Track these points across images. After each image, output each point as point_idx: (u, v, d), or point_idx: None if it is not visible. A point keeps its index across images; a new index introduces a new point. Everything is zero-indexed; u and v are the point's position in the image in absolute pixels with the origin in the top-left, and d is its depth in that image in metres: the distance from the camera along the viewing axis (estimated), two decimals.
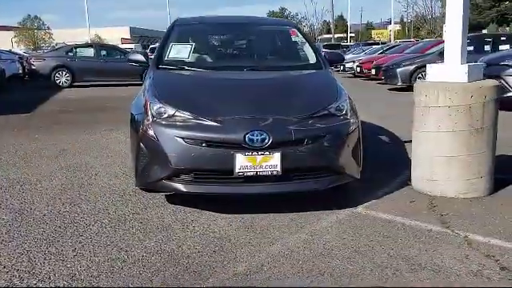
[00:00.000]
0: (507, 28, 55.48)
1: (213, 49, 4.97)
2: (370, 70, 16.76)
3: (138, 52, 5.00)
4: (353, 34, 60.51)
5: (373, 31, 75.84)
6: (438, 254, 2.89)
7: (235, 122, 3.40)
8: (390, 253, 2.93)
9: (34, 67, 16.54)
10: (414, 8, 48.54)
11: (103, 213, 3.66)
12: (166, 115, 3.52)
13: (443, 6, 45.96)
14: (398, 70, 13.20)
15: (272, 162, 3.33)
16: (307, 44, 4.83)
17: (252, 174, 3.34)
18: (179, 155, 3.36)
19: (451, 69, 3.91)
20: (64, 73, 16.35)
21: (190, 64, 4.38)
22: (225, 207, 3.63)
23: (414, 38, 49.23)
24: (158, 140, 3.43)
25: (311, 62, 4.53)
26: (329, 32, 63.88)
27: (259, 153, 3.31)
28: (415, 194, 3.99)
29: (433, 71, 4.05)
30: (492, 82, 3.91)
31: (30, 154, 5.70)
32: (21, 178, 4.63)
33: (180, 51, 4.49)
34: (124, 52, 18.10)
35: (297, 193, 3.58)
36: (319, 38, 61.89)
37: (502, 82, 8.64)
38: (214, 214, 3.59)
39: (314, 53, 4.65)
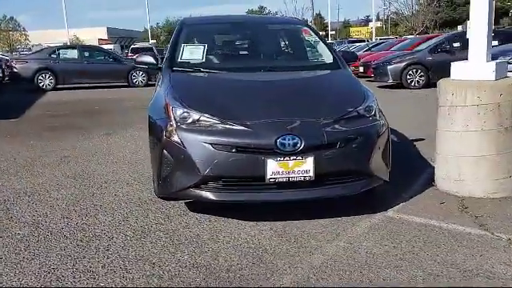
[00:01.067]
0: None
1: (225, 49, 4.80)
2: (357, 67, 16.75)
3: (146, 53, 4.79)
4: (333, 32, 60.75)
5: (351, 29, 76.25)
6: (486, 259, 2.80)
7: (265, 126, 3.25)
8: (436, 259, 2.82)
9: (15, 70, 16.05)
10: (394, 5, 48.87)
11: (124, 224, 3.47)
12: (190, 120, 3.35)
13: (420, 2, 46.50)
14: (389, 67, 13.20)
15: (305, 167, 3.19)
16: (321, 43, 4.70)
17: (284, 179, 3.20)
18: (208, 162, 3.20)
19: (477, 67, 3.84)
20: (47, 75, 15.90)
21: (206, 66, 4.20)
22: (250, 214, 3.48)
23: (392, 35, 49.62)
24: (184, 146, 3.25)
25: (328, 61, 4.41)
26: None
27: (291, 158, 3.17)
28: (442, 194, 3.91)
29: (457, 69, 3.97)
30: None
31: (31, 161, 5.45)
32: (27, 189, 4.39)
33: (193, 52, 4.32)
34: (108, 53, 17.77)
35: (329, 198, 3.44)
36: None
37: None
38: (240, 222, 3.43)
39: (330, 52, 4.52)
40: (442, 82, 4.01)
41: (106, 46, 33.70)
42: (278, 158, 3.16)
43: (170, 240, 3.18)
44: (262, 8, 61.07)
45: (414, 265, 2.76)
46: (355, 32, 71.17)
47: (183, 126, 3.32)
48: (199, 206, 3.67)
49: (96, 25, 78.65)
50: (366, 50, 20.20)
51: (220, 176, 3.24)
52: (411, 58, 13.22)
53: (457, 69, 3.98)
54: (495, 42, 12.36)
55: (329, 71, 4.22)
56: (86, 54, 16.85)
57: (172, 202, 3.84)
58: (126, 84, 16.45)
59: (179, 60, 4.25)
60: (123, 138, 6.79)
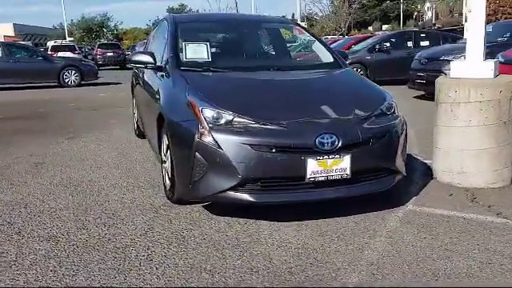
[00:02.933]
0: (386, 26, 59.69)
1: (227, 48, 4.69)
2: None
3: (142, 52, 4.54)
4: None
5: None
6: None
7: (302, 126, 3.25)
8: (478, 248, 2.98)
9: None
10: (311, 6, 50.26)
11: (152, 232, 3.29)
12: (223, 121, 3.26)
13: (334, 5, 48.34)
14: None
15: (342, 165, 3.23)
16: (317, 42, 4.76)
17: (323, 178, 3.21)
18: (247, 163, 3.13)
19: (477, 65, 4.09)
20: None
21: (214, 65, 4.09)
22: (274, 215, 3.44)
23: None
24: (221, 148, 3.16)
25: (329, 60, 4.47)
26: None
27: (330, 156, 3.20)
28: (446, 186, 4.13)
29: (457, 68, 4.21)
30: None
31: (3, 170, 4.98)
32: (17, 200, 4.01)
33: (196, 51, 4.18)
34: (36, 51, 16.69)
35: (364, 195, 3.50)
36: None
37: (443, 76, 9.27)
38: (272, 223, 3.40)
39: (328, 51, 4.60)
40: (442, 80, 4.24)
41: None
42: (318, 157, 3.17)
43: (211, 245, 3.07)
44: (182, 6, 60.21)
45: (462, 255, 2.89)
46: None
47: (218, 128, 3.22)
48: (221, 210, 3.58)
49: (2, 21, 72.91)
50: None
51: (260, 177, 3.18)
52: (352, 57, 13.71)
53: (456, 67, 4.22)
54: (426, 42, 13.25)
55: (337, 70, 4.28)
56: (11, 52, 15.64)
57: (189, 206, 3.72)
58: (56, 84, 15.51)
59: (185, 59, 4.10)
60: (91, 141, 6.41)
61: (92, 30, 60.29)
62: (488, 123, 3.97)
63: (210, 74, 3.92)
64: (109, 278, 2.66)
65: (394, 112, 3.65)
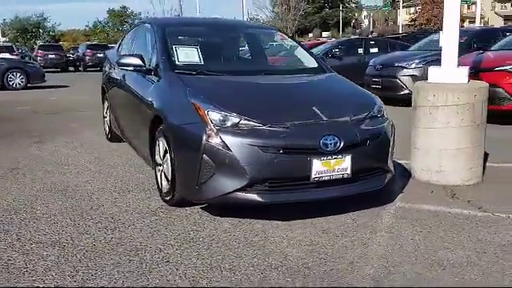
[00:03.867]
0: (327, 33, 61.50)
1: (216, 52, 4.73)
2: None
3: (130, 55, 4.48)
4: None
5: None
6: (510, 236, 3.28)
7: (307, 127, 3.38)
8: (472, 239, 3.22)
9: None
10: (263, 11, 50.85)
11: (159, 234, 3.30)
12: (229, 123, 3.33)
13: (275, 11, 49.23)
14: None
15: (344, 165, 3.40)
16: (299, 47, 4.93)
17: (327, 178, 3.37)
18: (256, 164, 3.22)
19: (452, 72, 4.41)
20: None
21: (208, 68, 4.13)
22: (272, 214, 3.54)
23: None
24: (229, 150, 3.23)
25: (314, 65, 4.65)
26: None
27: (333, 157, 3.35)
28: (425, 184, 4.40)
29: (434, 74, 4.50)
30: (485, 84, 4.51)
31: None
32: (3, 206, 3.87)
33: (188, 55, 4.22)
34: None
35: (362, 193, 3.67)
36: None
37: (398, 81, 9.80)
38: (274, 222, 3.49)
39: (311, 56, 4.78)
40: (421, 85, 4.53)
41: None
42: (322, 158, 3.32)
43: (223, 245, 3.13)
44: (124, 8, 58.97)
45: (458, 246, 3.13)
46: None
47: (225, 130, 3.29)
48: (221, 211, 3.64)
49: None
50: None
51: (267, 178, 3.28)
52: None
53: (433, 73, 4.52)
54: (376, 49, 13.85)
55: (324, 74, 4.46)
56: None
57: (188, 208, 3.75)
58: None
59: (177, 62, 4.12)
60: (61, 146, 6.22)
61: (27, 30, 57.61)
62: (464, 125, 4.28)
63: (207, 77, 3.97)
64: (131, 280, 2.66)
65: (383, 115, 3.87)
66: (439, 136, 4.35)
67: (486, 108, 4.44)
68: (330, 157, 3.34)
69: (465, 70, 4.40)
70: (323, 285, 2.64)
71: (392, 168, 3.88)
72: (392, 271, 2.78)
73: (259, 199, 3.29)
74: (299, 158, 3.29)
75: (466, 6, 62.49)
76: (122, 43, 6.07)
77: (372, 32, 58.46)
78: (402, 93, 9.68)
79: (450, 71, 4.42)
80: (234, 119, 3.33)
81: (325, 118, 3.49)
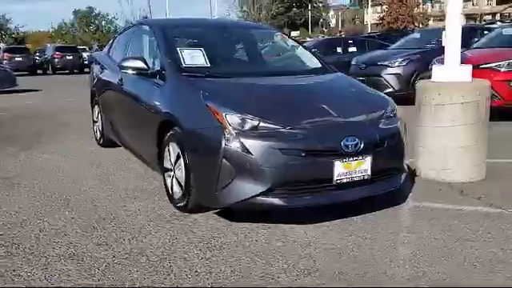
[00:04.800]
0: (296, 32, 61.87)
1: (221, 54, 4.63)
2: None
3: (133, 57, 4.32)
4: None
5: None
6: None
7: (327, 129, 3.34)
8: (492, 236, 3.25)
9: None
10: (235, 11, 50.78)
11: (180, 243, 3.19)
12: (248, 126, 3.25)
13: (245, 11, 49.32)
14: None
15: (364, 167, 3.38)
16: (301, 47, 4.89)
17: (348, 180, 3.34)
18: (278, 168, 3.16)
19: (455, 70, 4.45)
20: None
21: (216, 70, 4.05)
22: (290, 217, 3.51)
23: None
24: (250, 153, 3.15)
25: (318, 65, 4.62)
26: None
27: (354, 158, 3.33)
28: (432, 182, 4.43)
29: (437, 73, 4.54)
30: (487, 82, 4.57)
31: None
32: (7, 219, 3.68)
33: (194, 57, 4.11)
34: None
35: (381, 194, 3.66)
36: None
37: (382, 79, 9.90)
38: (292, 226, 3.44)
39: (314, 56, 4.75)
40: (424, 84, 4.56)
41: None
42: (344, 160, 3.28)
43: (248, 252, 3.05)
44: (90, 8, 57.62)
45: (481, 243, 3.14)
46: None
47: (245, 133, 3.22)
48: (236, 217, 3.57)
49: None
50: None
51: (289, 181, 3.22)
52: None
53: (437, 72, 4.56)
54: (354, 49, 13.98)
55: (331, 74, 4.43)
56: None
57: (201, 214, 3.66)
58: None
59: (184, 65, 4.01)
60: (51, 152, 6.00)
61: None
62: (469, 123, 4.34)
63: (217, 79, 3.88)
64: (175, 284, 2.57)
65: (395, 115, 3.87)
66: (445, 134, 4.38)
67: (489, 105, 4.51)
68: (351, 158, 3.31)
69: (468, 69, 4.46)
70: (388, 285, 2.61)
71: (406, 167, 3.89)
72: (426, 272, 2.77)
73: (281, 203, 3.23)
74: (321, 160, 3.25)
75: (429, 5, 64.06)
76: (114, 45, 5.90)
77: (340, 31, 59.20)
78: (387, 91, 9.69)
79: (454, 70, 4.46)
80: (252, 122, 3.26)
81: (343, 119, 3.46)
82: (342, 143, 3.28)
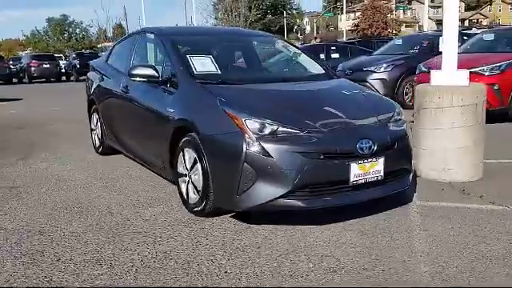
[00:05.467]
0: None
1: (229, 61, 4.71)
2: None
3: (143, 65, 4.37)
4: None
5: None
6: None
7: (343, 132, 3.47)
8: (501, 231, 3.42)
9: None
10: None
11: (201, 245, 3.26)
12: (267, 131, 3.35)
13: (219, 16, 49.34)
14: None
15: (377, 168, 3.51)
16: (303, 54, 5.02)
17: (363, 181, 3.46)
18: (299, 170, 3.27)
19: (453, 75, 4.65)
20: None
21: (227, 77, 4.14)
22: (302, 219, 3.61)
23: None
24: (271, 157, 3.25)
25: (321, 71, 4.75)
26: (106, 39, 62.64)
27: (368, 160, 3.46)
28: (433, 183, 4.60)
29: (436, 77, 4.73)
30: (483, 85, 4.79)
31: None
32: (23, 227, 3.67)
33: (204, 64, 4.20)
34: None
35: (393, 194, 3.80)
36: (100, 46, 60.08)
37: (368, 85, 10.13)
38: (307, 226, 3.54)
39: (316, 63, 4.88)
40: (425, 88, 4.74)
41: None
42: (359, 162, 3.41)
43: (272, 252, 3.14)
44: (64, 16, 56.84)
45: (493, 239, 3.29)
46: None
47: (265, 138, 3.31)
48: (252, 219, 3.66)
49: None
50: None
51: (309, 183, 3.33)
52: None
53: (434, 76, 4.75)
54: (337, 55, 14.24)
55: (335, 80, 4.57)
56: None
57: (217, 218, 3.74)
58: None
59: (196, 72, 4.09)
60: (50, 161, 5.97)
61: None
62: (468, 125, 4.53)
63: (230, 86, 3.97)
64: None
65: (401, 118, 4.03)
66: (445, 136, 4.57)
67: (485, 108, 4.72)
68: (365, 160, 3.44)
69: (465, 73, 4.66)
70: (388, 285, 2.73)
71: (413, 168, 4.04)
72: (445, 267, 2.91)
73: (302, 205, 3.34)
74: (339, 162, 3.37)
75: (401, 11, 65.40)
76: (113, 54, 5.92)
77: (316, 38, 59.94)
78: None
79: (452, 74, 4.66)
80: (272, 127, 3.36)
81: (357, 123, 3.59)
82: (357, 146, 3.41)
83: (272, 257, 3.08)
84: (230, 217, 3.77)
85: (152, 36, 4.88)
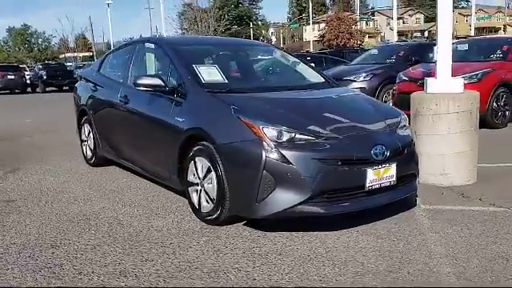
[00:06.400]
0: None
1: (234, 70, 4.73)
2: None
3: (149, 75, 4.32)
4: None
5: None
6: None
7: (358, 139, 3.55)
8: (510, 232, 3.57)
9: None
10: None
11: (222, 254, 3.26)
12: (285, 138, 3.40)
13: (184, 27, 49.21)
14: None
15: (390, 173, 3.61)
16: (301, 63, 5.11)
17: (378, 186, 3.55)
18: (318, 177, 3.32)
19: (448, 82, 4.83)
20: None
21: (234, 86, 4.17)
22: (312, 225, 3.66)
23: None
24: (291, 164, 3.29)
25: (321, 80, 4.84)
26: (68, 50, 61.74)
27: (382, 165, 3.55)
28: (432, 187, 4.74)
29: (431, 85, 4.90)
30: (477, 92, 4.98)
31: None
32: (33, 241, 3.57)
33: (211, 73, 4.21)
34: None
35: (403, 198, 3.90)
36: (62, 56, 59.03)
37: None
38: (322, 233, 3.58)
39: (315, 71, 4.97)
40: (422, 96, 4.90)
41: None
42: (374, 167, 3.50)
43: (295, 258, 3.16)
44: (26, 26, 55.41)
45: (503, 240, 3.41)
46: None
47: (283, 145, 3.35)
48: (265, 226, 3.68)
49: None
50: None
51: (328, 189, 3.38)
52: None
53: (430, 84, 4.91)
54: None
55: (337, 88, 4.66)
56: None
57: (231, 226, 3.75)
58: None
59: (204, 81, 4.10)
60: (42, 173, 5.81)
61: None
62: (464, 130, 4.71)
63: (240, 95, 3.99)
64: None
65: (406, 124, 4.15)
66: (442, 142, 4.72)
67: (479, 114, 4.91)
68: (380, 166, 3.52)
69: (459, 81, 4.85)
70: (418, 285, 2.80)
71: (419, 172, 4.16)
72: (466, 267, 3.01)
73: (321, 211, 3.39)
74: (356, 168, 3.44)
75: (364, 22, 67.00)
76: (107, 63, 5.84)
77: (283, 48, 60.68)
78: None
79: (447, 82, 4.84)
80: (289, 134, 3.41)
81: (370, 129, 3.69)
82: (372, 152, 3.49)
83: (296, 263, 3.11)
84: (243, 225, 3.78)
85: (152, 46, 4.87)
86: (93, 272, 3.02)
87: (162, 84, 4.18)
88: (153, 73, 4.73)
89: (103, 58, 6.16)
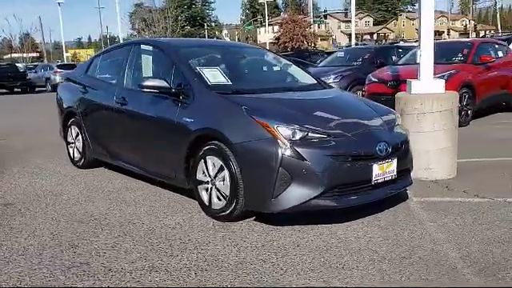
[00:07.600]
0: None
1: (235, 72, 4.84)
2: None
3: (154, 77, 4.38)
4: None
5: (70, 51, 73.03)
6: None
7: (364, 136, 3.80)
8: (500, 219, 3.89)
9: None
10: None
11: (246, 249, 3.41)
12: (298, 136, 3.59)
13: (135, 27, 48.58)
14: None
15: (392, 168, 3.88)
16: (293, 65, 5.33)
17: (382, 180, 3.81)
18: (330, 172, 3.54)
19: (431, 83, 5.19)
20: None
21: (239, 87, 4.31)
22: (318, 219, 3.86)
23: None
24: (306, 160, 3.50)
25: (314, 81, 5.07)
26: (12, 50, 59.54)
27: (385, 161, 3.82)
28: (418, 181, 5.05)
29: (415, 86, 5.24)
30: (456, 93, 5.37)
31: None
32: (46, 243, 3.59)
33: (215, 75, 4.35)
34: None
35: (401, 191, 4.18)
36: (7, 57, 56.76)
37: None
38: (328, 225, 3.79)
39: (307, 73, 5.21)
40: (406, 96, 5.23)
41: None
42: (379, 163, 3.76)
43: (313, 250, 3.36)
44: None
45: (494, 226, 3.75)
46: (73, 54, 69.03)
47: (297, 142, 3.55)
48: (276, 220, 3.87)
49: None
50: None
51: (339, 184, 3.61)
52: None
53: (414, 85, 5.25)
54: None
55: (331, 89, 4.91)
56: None
57: (243, 221, 3.91)
58: None
59: (210, 83, 4.23)
60: (30, 177, 5.72)
61: None
62: (446, 128, 5.07)
63: (248, 95, 4.15)
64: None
65: (399, 123, 4.44)
66: (427, 139, 5.07)
67: (458, 112, 5.30)
68: (383, 161, 3.79)
69: (441, 82, 5.22)
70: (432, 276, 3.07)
71: (413, 167, 4.47)
72: (469, 251, 3.31)
73: (333, 204, 3.61)
74: (364, 164, 3.69)
75: (316, 25, 68.39)
76: (97, 65, 5.83)
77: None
78: None
79: (429, 83, 5.19)
80: (301, 132, 3.61)
81: (373, 127, 3.94)
82: (376, 148, 3.75)
83: (315, 253, 3.31)
84: (255, 220, 3.95)
85: (150, 48, 4.93)
86: (122, 268, 3.10)
87: (168, 86, 4.27)
88: (150, 74, 4.80)
89: (91, 60, 6.14)
